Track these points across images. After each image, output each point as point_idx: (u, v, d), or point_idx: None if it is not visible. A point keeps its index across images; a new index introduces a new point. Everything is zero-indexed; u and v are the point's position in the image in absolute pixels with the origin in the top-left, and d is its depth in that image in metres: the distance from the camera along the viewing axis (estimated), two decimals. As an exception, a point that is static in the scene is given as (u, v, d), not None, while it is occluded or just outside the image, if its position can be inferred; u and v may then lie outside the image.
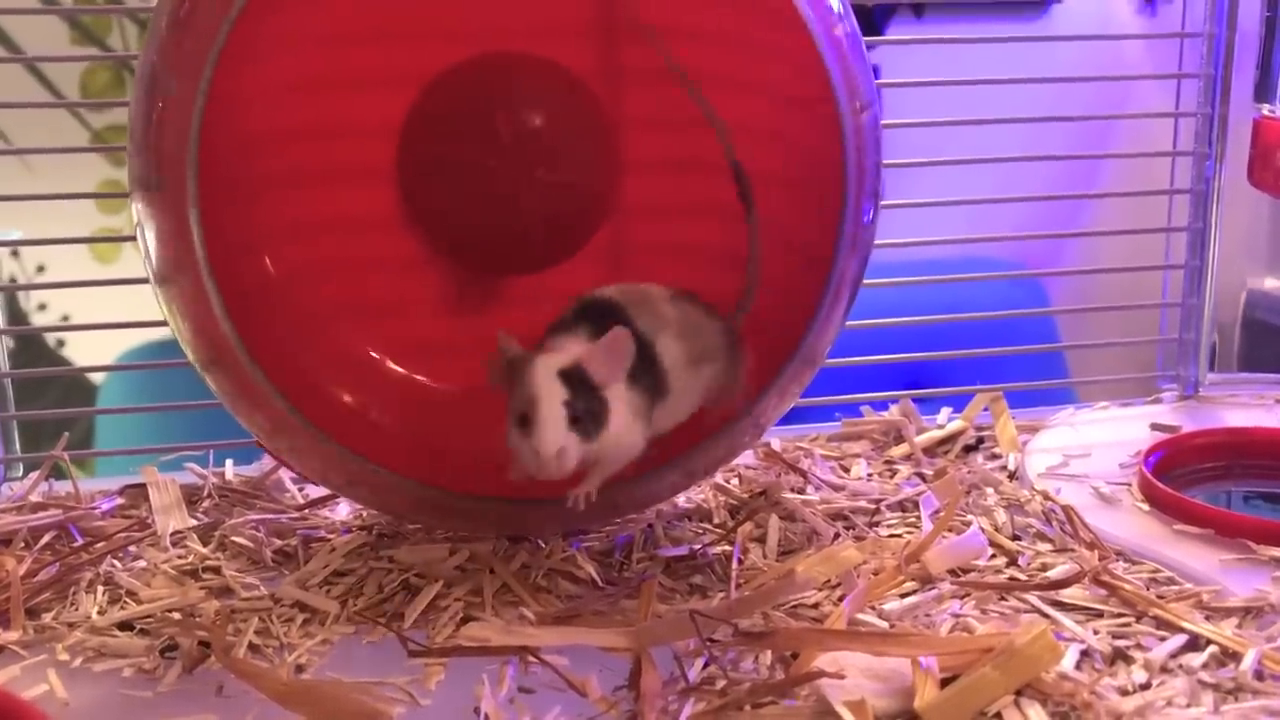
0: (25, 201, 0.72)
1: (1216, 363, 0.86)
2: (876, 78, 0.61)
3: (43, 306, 1.56)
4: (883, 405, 0.81)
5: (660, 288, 0.58)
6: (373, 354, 0.62)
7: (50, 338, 1.50)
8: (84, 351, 1.35)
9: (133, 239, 0.57)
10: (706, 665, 0.50)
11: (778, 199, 0.60)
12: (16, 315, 1.33)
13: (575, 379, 0.52)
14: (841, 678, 0.46)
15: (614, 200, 0.63)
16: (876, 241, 0.61)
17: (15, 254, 1.40)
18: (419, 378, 0.62)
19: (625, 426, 0.53)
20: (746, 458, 0.73)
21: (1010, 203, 0.86)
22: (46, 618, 0.56)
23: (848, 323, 0.63)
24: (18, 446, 0.74)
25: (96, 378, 1.32)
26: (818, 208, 0.59)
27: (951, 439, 0.77)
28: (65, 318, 1.42)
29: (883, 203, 0.62)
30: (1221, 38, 0.79)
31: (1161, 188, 0.84)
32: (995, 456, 0.74)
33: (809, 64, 0.57)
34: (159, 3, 0.55)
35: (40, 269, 1.41)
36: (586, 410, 0.52)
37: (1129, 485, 0.67)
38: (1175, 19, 0.84)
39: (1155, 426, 0.76)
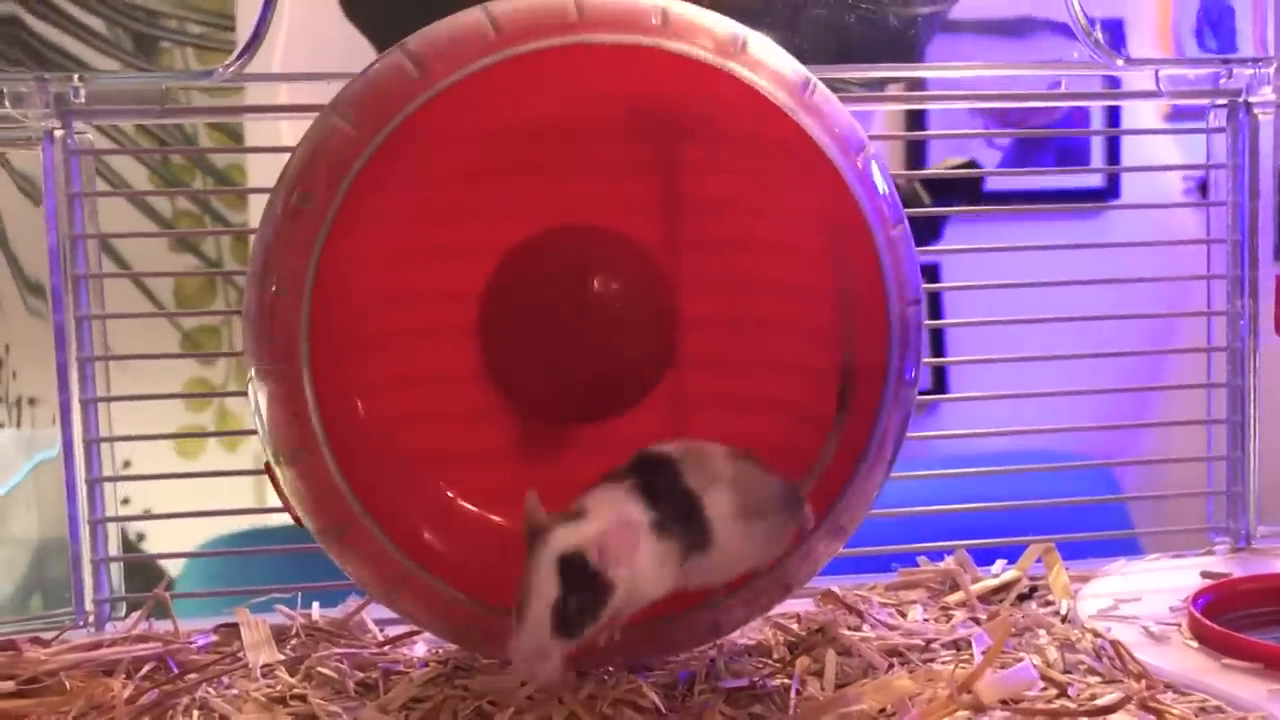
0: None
1: (1266, 514, 0.87)
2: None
3: (126, 500, 1.63)
4: (939, 556, 0.84)
5: (720, 445, 0.61)
6: (451, 495, 0.67)
7: (131, 531, 1.58)
8: (163, 544, 1.42)
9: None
10: (764, 783, 0.52)
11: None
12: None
13: (575, 567, 0.52)
14: (891, 789, 0.48)
15: (673, 355, 0.69)
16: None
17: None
18: (495, 518, 0.67)
19: (641, 584, 0.55)
20: (805, 601, 0.76)
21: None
22: (147, 738, 0.60)
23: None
24: (123, 588, 0.80)
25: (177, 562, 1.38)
26: (861, 402, 0.65)
27: (1006, 588, 0.79)
28: (147, 510, 1.50)
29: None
30: (1245, 206, 0.84)
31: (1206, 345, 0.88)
32: (1049, 604, 0.76)
33: (866, 264, 0.63)
34: (269, 202, 0.61)
35: (126, 464, 1.49)
36: (578, 608, 0.52)
37: (1178, 625, 0.69)
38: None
39: (1205, 574, 0.78)
